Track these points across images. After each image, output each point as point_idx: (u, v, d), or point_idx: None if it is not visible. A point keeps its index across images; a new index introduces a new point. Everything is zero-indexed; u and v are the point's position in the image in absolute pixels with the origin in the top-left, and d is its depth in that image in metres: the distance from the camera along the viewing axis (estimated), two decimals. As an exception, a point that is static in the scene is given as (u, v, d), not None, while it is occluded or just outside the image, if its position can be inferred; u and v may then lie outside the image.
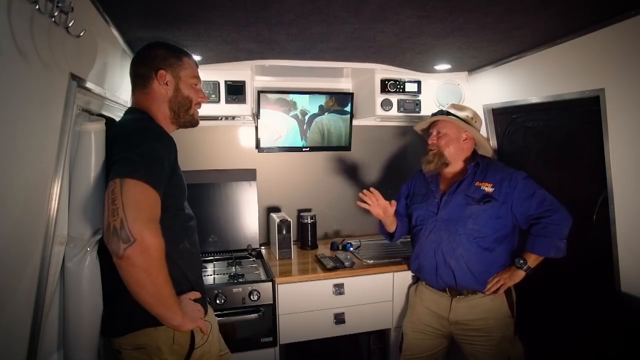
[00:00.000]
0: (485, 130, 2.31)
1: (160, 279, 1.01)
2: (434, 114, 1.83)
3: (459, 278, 1.71)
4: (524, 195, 1.65)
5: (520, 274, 1.66)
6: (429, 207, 1.81)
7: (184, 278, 1.23)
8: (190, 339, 1.22)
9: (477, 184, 1.71)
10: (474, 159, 1.79)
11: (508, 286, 1.68)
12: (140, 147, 1.08)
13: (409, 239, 2.03)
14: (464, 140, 1.77)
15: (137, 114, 1.26)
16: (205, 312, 1.29)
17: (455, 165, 1.79)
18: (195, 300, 1.22)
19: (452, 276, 1.71)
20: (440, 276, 1.75)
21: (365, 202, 1.84)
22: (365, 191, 1.84)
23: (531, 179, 1.69)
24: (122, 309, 1.16)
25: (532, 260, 1.65)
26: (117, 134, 1.17)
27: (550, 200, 1.63)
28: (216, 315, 1.58)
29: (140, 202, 1.00)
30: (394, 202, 1.85)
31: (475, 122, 1.79)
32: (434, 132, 1.79)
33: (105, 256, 1.11)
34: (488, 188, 1.69)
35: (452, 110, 1.79)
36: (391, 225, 1.95)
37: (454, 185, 1.75)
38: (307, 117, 2.46)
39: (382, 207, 1.84)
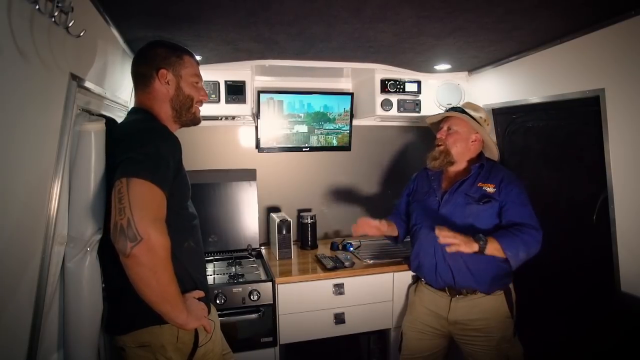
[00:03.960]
0: (485, 130, 2.32)
1: (166, 278, 1.02)
2: (448, 109, 1.81)
3: (457, 277, 1.70)
4: (517, 201, 1.64)
5: (474, 248, 1.56)
6: (430, 205, 1.81)
7: (188, 277, 1.24)
8: (194, 337, 1.23)
9: (479, 184, 1.71)
10: (479, 160, 1.78)
11: (457, 249, 1.57)
12: (146, 147, 1.09)
13: (409, 239, 2.03)
14: (472, 141, 1.76)
15: (141, 114, 1.26)
16: (209, 311, 1.29)
17: (460, 164, 1.79)
18: (199, 299, 1.23)
19: (451, 275, 1.71)
20: (439, 275, 1.75)
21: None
22: (354, 226, 1.87)
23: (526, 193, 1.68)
24: (127, 307, 1.17)
25: (492, 246, 1.57)
26: (123, 134, 1.17)
27: (535, 219, 1.63)
28: (216, 315, 1.58)
29: (146, 201, 1.01)
30: (384, 222, 1.86)
31: (487, 124, 1.79)
32: (445, 127, 1.78)
33: (109, 255, 1.12)
34: (490, 189, 1.69)
35: (467, 109, 1.78)
36: (392, 232, 1.96)
37: (455, 184, 1.75)
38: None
39: (374, 228, 1.85)
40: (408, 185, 2.05)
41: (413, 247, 1.90)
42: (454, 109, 1.81)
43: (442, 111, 1.84)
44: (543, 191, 2.09)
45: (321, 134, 2.51)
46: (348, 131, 2.55)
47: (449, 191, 1.76)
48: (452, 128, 1.76)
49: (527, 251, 1.58)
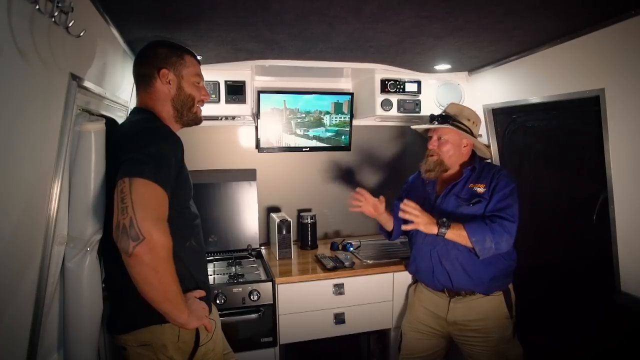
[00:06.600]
0: (485, 130, 2.31)
1: (168, 277, 1.03)
2: (434, 118, 1.79)
3: (454, 280, 1.70)
4: (499, 193, 1.63)
5: (432, 230, 1.58)
6: (425, 209, 1.80)
7: (190, 276, 1.24)
8: (195, 336, 1.23)
9: (470, 185, 1.71)
10: (471, 162, 1.78)
11: (414, 227, 1.60)
12: (148, 147, 1.09)
13: (407, 242, 2.02)
14: (464, 146, 1.76)
15: (143, 114, 1.27)
16: (210, 311, 1.29)
17: (453, 169, 1.79)
18: (200, 299, 1.23)
19: (448, 278, 1.71)
20: (436, 278, 1.75)
21: (356, 206, 1.85)
22: (353, 194, 1.87)
23: (516, 194, 1.66)
24: (128, 306, 1.17)
25: (455, 232, 1.58)
26: (125, 134, 1.18)
27: (512, 212, 1.60)
28: (216, 315, 1.58)
29: (148, 201, 1.01)
30: (382, 198, 1.85)
31: (476, 125, 1.78)
32: (435, 137, 1.77)
33: (110, 254, 1.12)
34: (480, 189, 1.68)
35: (452, 113, 1.76)
36: (387, 223, 1.95)
37: (447, 188, 1.76)
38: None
39: (372, 205, 1.85)
40: (404, 188, 2.04)
41: (411, 251, 1.91)
42: (441, 117, 1.76)
43: (442, 111, 1.82)
44: (543, 191, 2.09)
45: (320, 130, 2.51)
46: (347, 129, 2.55)
47: (441, 195, 1.77)
48: (442, 137, 1.75)
49: (495, 240, 1.56)
